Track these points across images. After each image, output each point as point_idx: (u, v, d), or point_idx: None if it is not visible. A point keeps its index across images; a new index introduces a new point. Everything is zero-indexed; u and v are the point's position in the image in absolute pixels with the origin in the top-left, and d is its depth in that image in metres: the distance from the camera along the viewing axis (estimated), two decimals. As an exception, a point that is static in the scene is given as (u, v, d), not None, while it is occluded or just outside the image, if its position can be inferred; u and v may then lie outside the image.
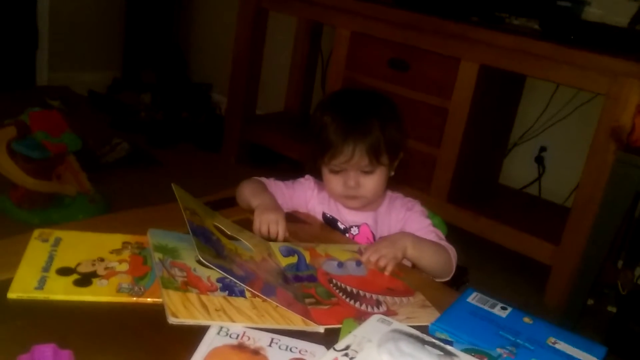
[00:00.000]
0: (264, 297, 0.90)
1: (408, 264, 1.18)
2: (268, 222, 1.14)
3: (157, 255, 0.96)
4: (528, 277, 2.39)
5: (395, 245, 1.11)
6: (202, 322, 0.83)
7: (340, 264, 1.08)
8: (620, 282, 2.21)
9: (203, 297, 0.88)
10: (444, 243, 1.22)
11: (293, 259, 1.07)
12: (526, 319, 0.95)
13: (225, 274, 0.91)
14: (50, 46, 3.86)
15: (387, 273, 1.07)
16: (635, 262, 2.28)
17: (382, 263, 1.08)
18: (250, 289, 0.91)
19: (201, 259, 0.90)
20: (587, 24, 2.37)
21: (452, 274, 1.21)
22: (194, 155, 3.28)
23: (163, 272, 0.91)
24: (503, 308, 0.97)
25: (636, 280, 2.25)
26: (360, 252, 1.13)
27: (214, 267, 0.90)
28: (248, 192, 1.24)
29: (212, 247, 0.97)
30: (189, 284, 0.91)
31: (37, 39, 3.81)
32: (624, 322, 2.06)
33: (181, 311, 0.84)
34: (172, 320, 0.82)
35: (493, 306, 0.97)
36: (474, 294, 0.99)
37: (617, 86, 2.05)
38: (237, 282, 0.91)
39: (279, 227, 1.14)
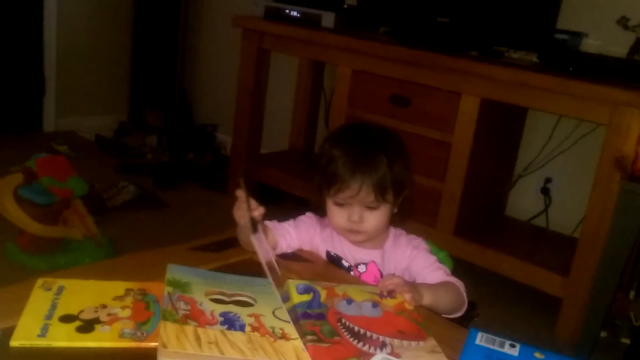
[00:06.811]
0: None
1: None
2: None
3: (167, 289, 0.97)
4: (538, 310, 2.36)
5: (414, 287, 1.10)
6: (190, 352, 0.83)
7: (356, 304, 1.06)
8: (633, 314, 2.18)
9: (199, 330, 0.88)
10: (453, 279, 1.22)
11: (307, 297, 1.05)
12: (537, 354, 0.93)
13: None
14: (57, 92, 3.93)
15: (406, 300, 1.06)
16: (647, 292, 2.25)
17: (398, 290, 1.07)
18: None
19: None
20: (586, 55, 2.39)
21: (465, 307, 1.20)
22: (200, 196, 3.28)
23: (167, 305, 0.93)
24: (512, 345, 0.95)
25: (649, 311, 2.22)
26: (381, 294, 1.09)
27: None
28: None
29: None
30: (189, 317, 0.91)
31: (44, 85, 3.88)
32: (638, 354, 2.02)
33: (172, 342, 0.84)
34: (161, 351, 0.82)
35: (502, 345, 0.95)
36: (480, 334, 0.97)
37: (618, 116, 2.06)
38: None
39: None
